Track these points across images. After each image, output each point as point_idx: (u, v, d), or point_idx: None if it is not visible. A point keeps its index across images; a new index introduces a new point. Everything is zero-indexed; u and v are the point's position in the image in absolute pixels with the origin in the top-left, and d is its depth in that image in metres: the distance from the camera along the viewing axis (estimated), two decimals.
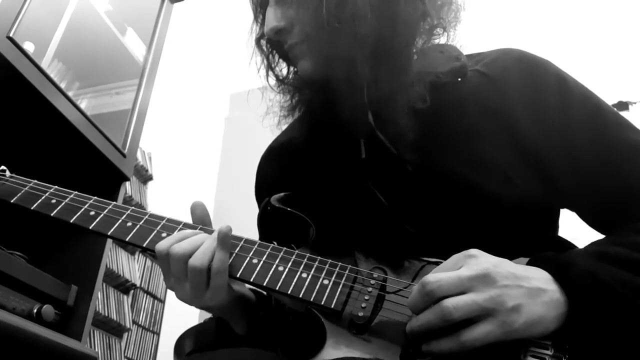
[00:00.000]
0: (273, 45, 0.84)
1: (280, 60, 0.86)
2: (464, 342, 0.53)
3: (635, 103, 2.54)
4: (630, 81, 2.68)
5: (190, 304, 0.70)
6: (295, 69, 0.83)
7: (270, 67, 0.85)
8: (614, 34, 2.85)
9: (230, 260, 0.68)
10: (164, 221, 0.74)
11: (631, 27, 2.84)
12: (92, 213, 0.76)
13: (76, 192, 0.80)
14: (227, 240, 0.67)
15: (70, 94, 1.52)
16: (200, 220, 0.75)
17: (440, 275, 0.55)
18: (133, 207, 0.77)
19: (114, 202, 0.78)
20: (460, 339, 0.53)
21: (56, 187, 0.81)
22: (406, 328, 0.57)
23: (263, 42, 0.85)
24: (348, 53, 0.72)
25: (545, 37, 2.88)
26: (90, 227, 0.75)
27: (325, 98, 0.76)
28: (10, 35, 1.22)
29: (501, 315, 0.53)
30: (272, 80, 0.86)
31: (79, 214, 0.76)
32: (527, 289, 0.55)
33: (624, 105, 2.53)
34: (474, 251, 0.58)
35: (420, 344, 0.56)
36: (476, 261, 0.56)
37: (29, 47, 1.52)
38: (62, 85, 1.60)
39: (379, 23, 0.71)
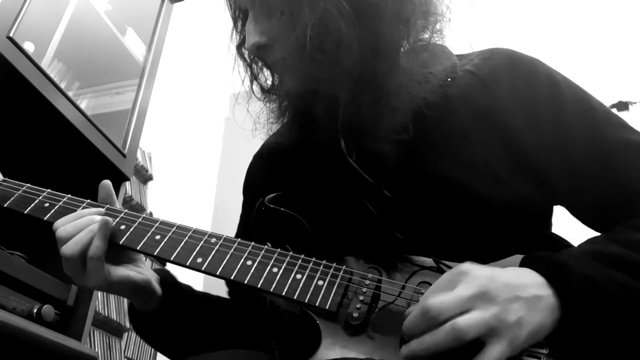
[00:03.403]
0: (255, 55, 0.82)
1: (264, 67, 0.84)
2: None
3: (635, 103, 2.54)
4: (630, 81, 2.68)
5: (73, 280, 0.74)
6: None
7: (254, 76, 0.84)
8: (613, 34, 2.85)
9: (224, 262, 0.67)
10: (157, 223, 0.74)
11: (631, 27, 2.84)
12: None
13: (69, 196, 0.79)
14: (105, 230, 0.70)
15: (70, 94, 1.52)
16: (104, 200, 0.79)
17: (442, 298, 0.54)
18: (126, 210, 0.77)
19: (107, 205, 0.78)
20: None
21: (49, 190, 0.80)
22: (404, 352, 0.55)
23: (244, 50, 0.83)
24: (329, 84, 0.71)
25: (545, 37, 2.88)
26: None
27: (306, 116, 0.76)
28: (10, 35, 1.22)
29: (507, 332, 0.52)
30: (256, 88, 0.84)
31: None
32: (524, 300, 0.54)
33: (624, 105, 2.53)
34: (465, 266, 0.57)
35: None
36: (470, 278, 0.55)
37: (29, 47, 1.52)
38: (62, 85, 1.60)
39: (363, 51, 0.70)
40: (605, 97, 0.76)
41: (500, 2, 2.99)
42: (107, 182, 0.80)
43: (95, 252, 0.69)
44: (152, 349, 2.35)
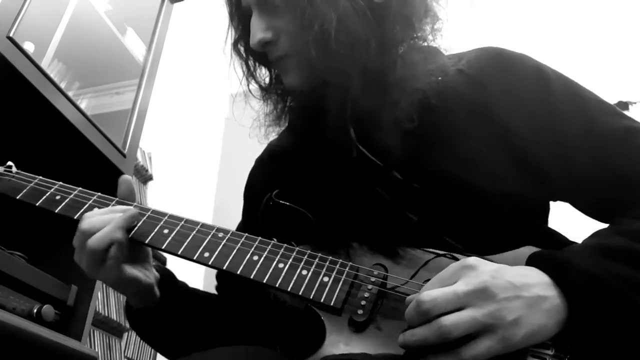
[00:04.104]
0: (253, 52, 0.81)
1: (261, 65, 0.85)
2: (464, 359, 0.51)
3: (635, 103, 2.54)
4: (630, 81, 2.68)
5: (84, 270, 0.74)
6: (277, 73, 0.83)
7: (251, 74, 0.84)
8: (613, 34, 2.85)
9: (231, 257, 0.68)
10: (166, 217, 0.74)
11: (631, 27, 2.84)
12: (96, 210, 0.76)
13: (80, 189, 0.80)
14: (130, 219, 0.72)
15: (70, 94, 1.52)
16: (125, 197, 0.79)
17: (436, 292, 0.54)
18: (136, 204, 0.77)
19: (117, 199, 0.78)
20: (461, 357, 0.52)
21: (61, 183, 0.81)
22: (399, 340, 0.55)
23: (241, 47, 0.84)
24: (340, 78, 0.72)
25: (545, 37, 2.88)
26: None
27: (311, 109, 0.77)
28: (10, 35, 1.22)
29: (501, 329, 0.52)
30: (253, 86, 0.85)
31: (82, 210, 0.77)
32: (526, 299, 0.54)
33: (624, 105, 2.52)
34: (471, 261, 0.57)
35: (417, 356, 0.55)
36: (474, 274, 0.55)
37: (29, 47, 1.52)
38: (62, 85, 1.60)
39: (376, 47, 0.72)
40: (605, 97, 0.76)
41: (500, 2, 2.99)
42: (127, 177, 0.80)
43: (117, 252, 0.70)
44: (153, 349, 2.35)
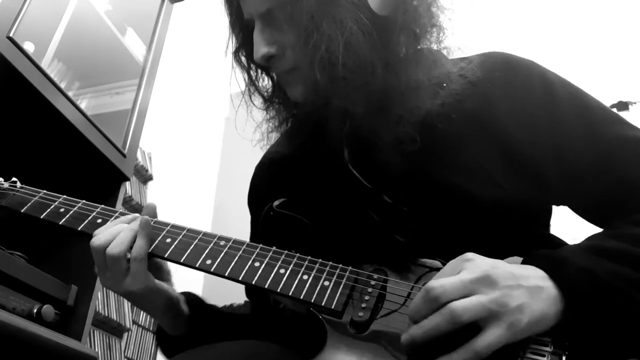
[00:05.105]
0: (254, 61, 0.81)
1: (263, 73, 0.85)
2: (479, 351, 0.52)
3: (635, 103, 2.54)
4: (630, 81, 2.68)
5: (113, 290, 0.75)
6: (278, 81, 0.83)
7: (252, 83, 0.84)
8: (613, 33, 2.85)
9: (233, 264, 0.69)
10: (168, 227, 0.75)
11: (631, 27, 2.84)
12: (99, 221, 0.78)
13: (84, 201, 0.82)
14: (147, 228, 0.72)
15: (70, 94, 1.52)
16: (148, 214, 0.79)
17: (443, 280, 0.55)
18: (139, 215, 0.78)
19: (120, 210, 0.80)
20: (475, 349, 0.52)
21: (65, 196, 0.83)
22: (404, 338, 0.56)
23: (242, 56, 0.84)
24: (342, 96, 0.72)
25: (545, 38, 2.88)
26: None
27: (311, 125, 0.77)
28: (10, 35, 1.22)
29: (507, 316, 0.53)
30: (255, 95, 0.85)
31: (86, 222, 0.79)
32: (527, 288, 0.55)
33: (624, 105, 2.52)
34: (469, 255, 0.58)
35: (423, 357, 0.55)
36: (474, 264, 0.57)
37: (29, 47, 1.52)
38: (62, 85, 1.60)
39: (381, 67, 0.72)
40: (605, 97, 0.76)
41: (500, 3, 2.99)
42: (152, 205, 0.81)
43: (139, 251, 0.71)
44: (152, 349, 2.35)
